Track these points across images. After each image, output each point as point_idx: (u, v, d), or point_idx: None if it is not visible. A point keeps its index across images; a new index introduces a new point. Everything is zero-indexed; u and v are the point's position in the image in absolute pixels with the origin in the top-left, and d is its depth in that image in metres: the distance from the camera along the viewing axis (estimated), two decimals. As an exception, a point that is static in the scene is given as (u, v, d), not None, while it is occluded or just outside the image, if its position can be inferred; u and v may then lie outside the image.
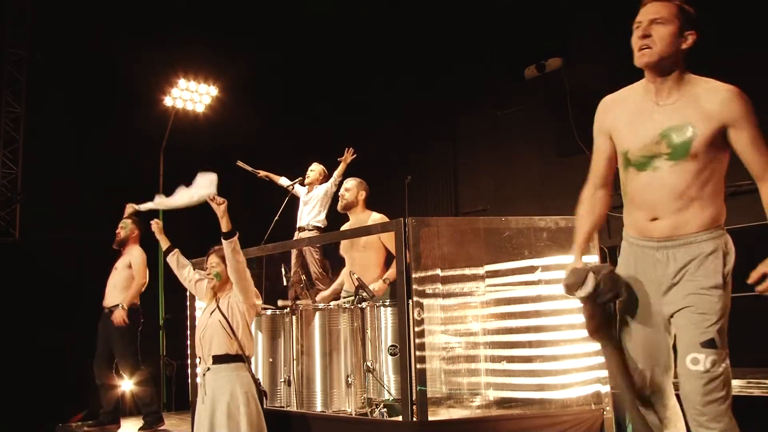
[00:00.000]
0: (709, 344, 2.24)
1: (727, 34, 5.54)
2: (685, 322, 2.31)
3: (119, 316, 5.25)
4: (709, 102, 2.28)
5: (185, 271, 4.15)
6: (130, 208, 5.21)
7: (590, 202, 2.60)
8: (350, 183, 4.96)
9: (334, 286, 5.00)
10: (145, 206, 4.78)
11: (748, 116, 2.25)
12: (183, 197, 4.52)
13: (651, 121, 2.35)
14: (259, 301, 3.96)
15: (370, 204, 4.94)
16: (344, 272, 4.85)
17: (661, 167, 2.32)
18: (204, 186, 4.48)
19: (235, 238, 3.75)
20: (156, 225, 4.35)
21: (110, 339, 5.33)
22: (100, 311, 5.46)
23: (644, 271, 2.42)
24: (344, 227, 4.97)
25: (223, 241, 3.76)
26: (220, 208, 3.79)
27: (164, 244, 4.27)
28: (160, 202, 4.64)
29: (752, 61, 5.51)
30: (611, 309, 2.49)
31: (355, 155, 6.03)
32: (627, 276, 2.47)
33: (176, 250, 4.21)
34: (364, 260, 4.67)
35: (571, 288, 2.43)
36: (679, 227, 2.32)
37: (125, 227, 5.51)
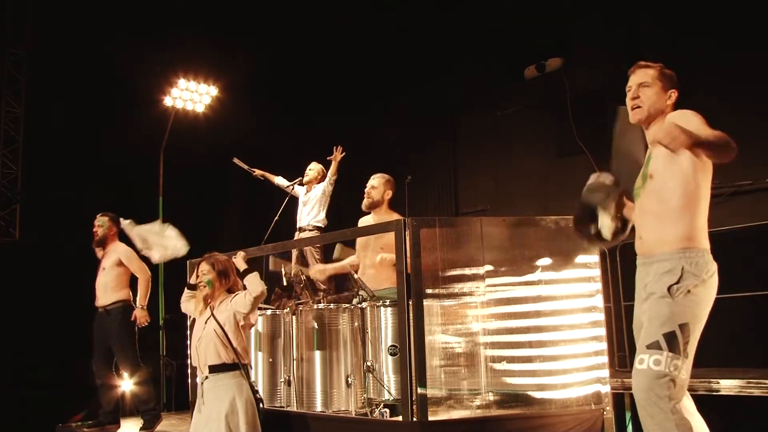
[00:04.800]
0: (653, 345, 2.47)
1: (726, 35, 5.54)
2: (642, 329, 2.59)
3: (143, 317, 5.29)
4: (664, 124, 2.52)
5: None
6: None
7: None
8: (377, 180, 4.64)
9: (336, 265, 4.82)
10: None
11: (691, 117, 2.47)
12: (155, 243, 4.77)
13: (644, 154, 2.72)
14: (254, 318, 4.01)
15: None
16: (348, 260, 4.73)
17: (642, 192, 2.68)
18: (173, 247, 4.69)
19: (255, 273, 3.80)
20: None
21: (108, 338, 5.31)
22: (93, 312, 5.43)
23: (637, 283, 2.73)
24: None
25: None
26: (239, 260, 3.90)
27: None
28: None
29: (752, 62, 5.52)
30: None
31: (344, 153, 6.00)
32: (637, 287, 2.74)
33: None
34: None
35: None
36: (655, 246, 2.60)
37: (102, 225, 5.43)
